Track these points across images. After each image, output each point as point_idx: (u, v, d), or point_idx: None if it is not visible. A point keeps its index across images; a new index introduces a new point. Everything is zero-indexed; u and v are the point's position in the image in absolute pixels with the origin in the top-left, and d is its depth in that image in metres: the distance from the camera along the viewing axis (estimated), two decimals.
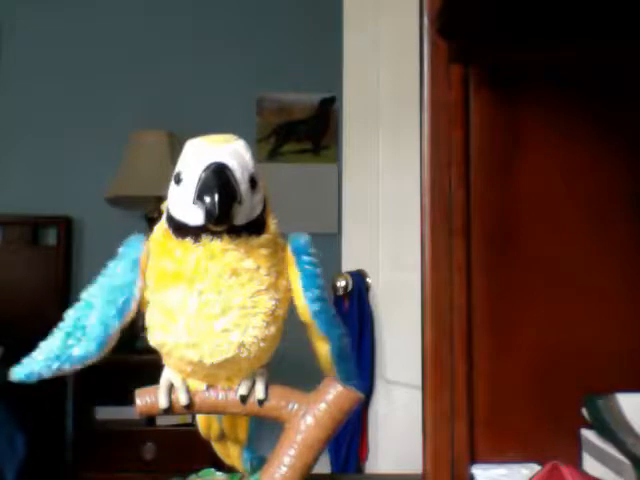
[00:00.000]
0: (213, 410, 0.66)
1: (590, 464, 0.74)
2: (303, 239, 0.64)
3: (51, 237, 2.75)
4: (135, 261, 0.61)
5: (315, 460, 0.63)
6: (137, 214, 2.62)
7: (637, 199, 0.81)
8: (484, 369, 0.80)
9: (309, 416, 0.63)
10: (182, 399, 0.63)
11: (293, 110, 2.86)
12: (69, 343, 0.61)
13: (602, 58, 0.82)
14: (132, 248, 0.62)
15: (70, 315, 0.62)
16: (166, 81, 2.82)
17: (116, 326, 0.61)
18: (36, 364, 0.61)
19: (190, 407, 0.64)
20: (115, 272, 0.62)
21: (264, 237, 0.60)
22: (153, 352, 0.65)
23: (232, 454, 0.74)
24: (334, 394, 0.63)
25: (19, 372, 0.61)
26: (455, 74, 0.80)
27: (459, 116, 0.80)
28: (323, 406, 0.63)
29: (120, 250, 0.63)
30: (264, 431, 0.77)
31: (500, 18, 0.77)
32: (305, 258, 0.63)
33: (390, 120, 1.64)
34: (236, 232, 0.58)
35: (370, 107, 1.70)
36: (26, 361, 0.61)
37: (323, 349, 0.65)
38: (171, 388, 0.64)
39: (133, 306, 0.62)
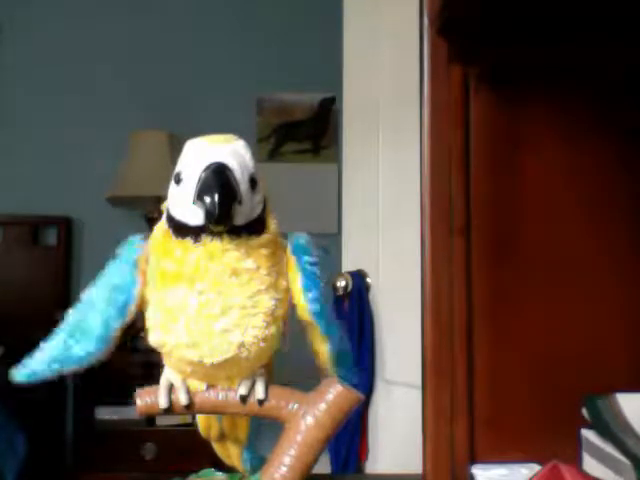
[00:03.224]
0: (213, 410, 0.66)
1: (590, 464, 0.74)
2: (304, 239, 0.64)
3: (51, 237, 2.75)
4: (133, 262, 0.61)
5: (315, 460, 0.63)
6: (137, 214, 2.62)
7: (637, 199, 0.81)
8: (484, 369, 0.80)
9: (309, 416, 0.63)
10: (182, 399, 0.64)
11: (293, 110, 2.86)
12: (69, 344, 0.61)
13: (602, 58, 0.82)
14: (130, 249, 0.62)
15: (70, 316, 0.62)
16: (166, 81, 2.82)
17: (116, 327, 0.61)
18: (37, 365, 0.61)
19: (190, 407, 0.64)
20: (114, 273, 0.62)
21: (264, 237, 0.60)
22: (153, 352, 0.65)
23: (232, 454, 0.74)
24: (334, 394, 0.63)
25: (20, 374, 0.61)
26: (455, 74, 0.80)
27: (459, 116, 0.80)
28: (323, 406, 0.63)
29: (118, 251, 0.63)
30: (264, 431, 0.77)
31: (500, 18, 0.77)
32: (306, 258, 0.63)
33: (390, 120, 1.63)
34: (236, 232, 0.58)
35: (370, 107, 1.70)
36: (26, 362, 0.61)
37: (322, 349, 0.65)
38: (171, 388, 0.64)
39: (133, 307, 0.62)
